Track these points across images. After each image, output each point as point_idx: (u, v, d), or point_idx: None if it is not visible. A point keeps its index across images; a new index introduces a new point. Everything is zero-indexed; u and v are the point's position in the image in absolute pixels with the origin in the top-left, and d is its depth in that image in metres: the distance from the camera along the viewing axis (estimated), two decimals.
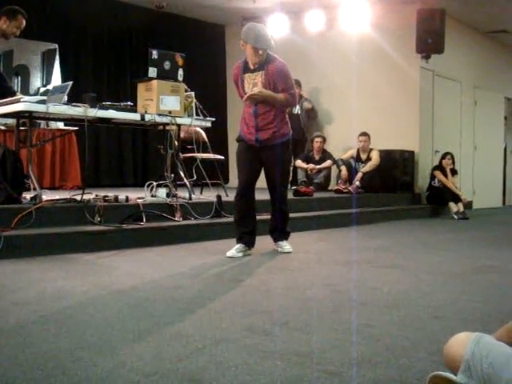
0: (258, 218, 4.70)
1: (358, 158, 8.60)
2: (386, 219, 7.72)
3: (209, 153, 6.69)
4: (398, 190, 8.88)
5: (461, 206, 8.57)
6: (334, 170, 9.04)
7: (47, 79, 8.10)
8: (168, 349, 2.14)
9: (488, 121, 11.08)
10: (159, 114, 5.44)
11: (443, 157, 8.90)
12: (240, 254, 4.43)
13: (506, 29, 10.20)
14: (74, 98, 5.17)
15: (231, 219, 4.97)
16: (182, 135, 6.14)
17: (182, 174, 5.88)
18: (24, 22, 5.11)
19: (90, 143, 5.21)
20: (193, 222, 5.38)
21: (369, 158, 8.50)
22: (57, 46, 8.40)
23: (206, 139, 6.81)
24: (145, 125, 5.83)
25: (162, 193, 5.57)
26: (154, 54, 5.49)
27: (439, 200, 8.77)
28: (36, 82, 8.05)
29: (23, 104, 4.70)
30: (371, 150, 8.56)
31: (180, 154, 6.06)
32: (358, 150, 8.60)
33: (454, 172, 8.91)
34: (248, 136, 4.51)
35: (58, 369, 1.92)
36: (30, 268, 3.78)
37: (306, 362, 2.03)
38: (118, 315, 2.63)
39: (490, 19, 9.65)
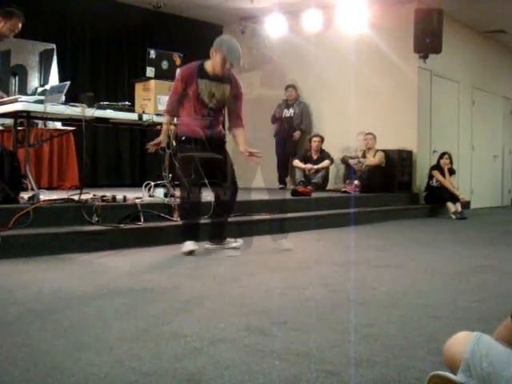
0: (256, 217, 4.70)
1: (363, 157, 8.68)
2: (384, 219, 7.72)
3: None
4: (396, 189, 8.89)
5: (459, 206, 8.57)
6: (332, 169, 9.05)
7: (45, 79, 8.10)
8: (166, 348, 2.14)
9: (486, 120, 11.09)
10: (157, 114, 5.45)
11: (441, 156, 8.91)
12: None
13: (504, 28, 10.22)
14: (71, 98, 5.18)
15: (231, 219, 4.97)
16: None
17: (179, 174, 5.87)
18: (20, 26, 5.06)
19: (88, 143, 5.18)
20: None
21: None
22: (54, 45, 8.41)
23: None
24: (142, 125, 5.83)
25: (159, 193, 5.57)
26: (152, 53, 5.49)
27: (437, 200, 8.77)
28: (34, 81, 8.05)
29: (21, 104, 4.70)
30: (377, 150, 8.60)
31: (178, 153, 6.04)
32: (364, 152, 8.70)
33: (451, 172, 8.91)
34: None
35: (55, 369, 1.91)
36: (27, 268, 3.77)
37: (305, 361, 2.02)
38: (116, 315, 2.62)
39: (488, 19, 9.67)
